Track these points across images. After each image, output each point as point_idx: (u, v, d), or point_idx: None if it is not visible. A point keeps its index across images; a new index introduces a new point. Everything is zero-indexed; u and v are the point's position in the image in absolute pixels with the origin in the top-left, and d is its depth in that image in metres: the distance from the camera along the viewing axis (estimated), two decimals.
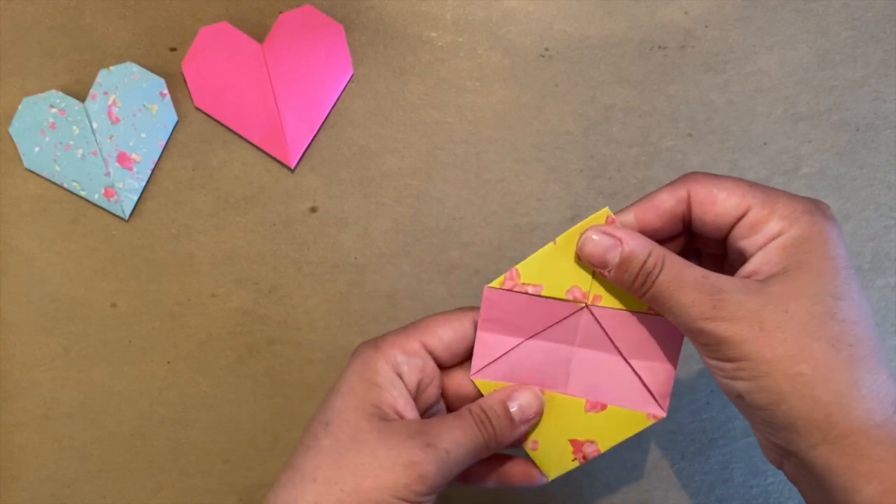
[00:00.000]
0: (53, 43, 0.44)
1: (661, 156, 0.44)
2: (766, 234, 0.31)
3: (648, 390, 0.35)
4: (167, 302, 0.44)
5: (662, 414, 0.35)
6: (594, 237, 0.33)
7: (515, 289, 0.34)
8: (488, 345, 0.35)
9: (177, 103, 0.44)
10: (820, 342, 0.29)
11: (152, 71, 0.43)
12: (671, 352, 0.34)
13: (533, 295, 0.34)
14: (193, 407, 0.45)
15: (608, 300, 0.34)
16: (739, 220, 0.32)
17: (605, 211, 0.33)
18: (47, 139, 0.43)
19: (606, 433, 0.35)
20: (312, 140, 0.44)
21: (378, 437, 0.32)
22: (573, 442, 0.35)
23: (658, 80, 0.44)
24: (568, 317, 0.35)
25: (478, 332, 0.35)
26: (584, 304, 0.34)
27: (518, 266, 0.34)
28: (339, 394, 0.33)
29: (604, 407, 0.35)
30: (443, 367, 0.36)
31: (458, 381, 0.37)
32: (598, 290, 0.34)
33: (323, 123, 0.44)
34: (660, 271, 0.31)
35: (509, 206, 0.44)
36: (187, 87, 0.43)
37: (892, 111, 0.44)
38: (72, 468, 0.45)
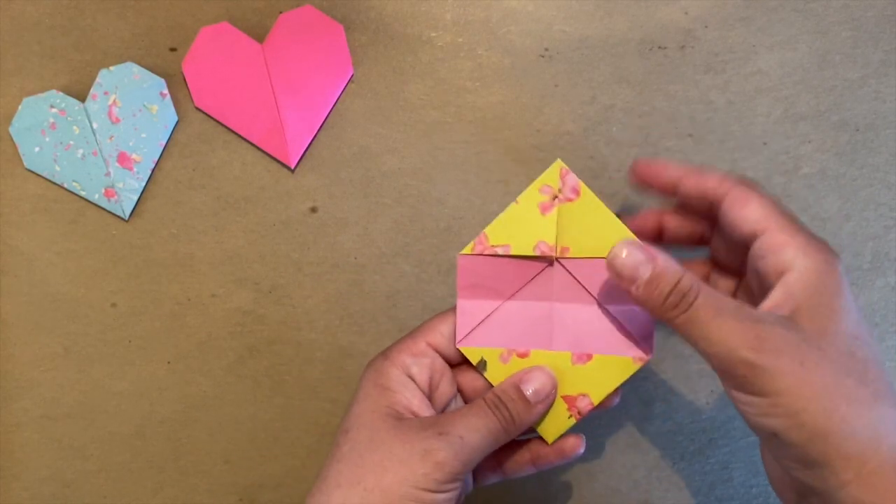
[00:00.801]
0: (53, 43, 0.44)
1: (661, 156, 0.44)
2: (782, 259, 0.31)
3: (630, 334, 0.35)
4: (167, 302, 0.44)
5: (647, 356, 0.35)
6: (625, 251, 0.32)
7: (486, 252, 0.35)
8: (469, 312, 0.36)
9: (177, 103, 0.44)
10: (851, 379, 0.30)
11: (152, 71, 0.43)
12: None
13: (503, 256, 0.35)
14: (193, 407, 0.45)
15: (575, 250, 0.35)
16: (757, 235, 0.32)
17: (559, 163, 0.35)
18: (47, 139, 0.43)
19: (596, 384, 0.36)
20: (312, 140, 0.44)
21: (394, 435, 0.33)
22: (566, 398, 0.36)
23: (658, 80, 0.44)
24: (540, 273, 0.36)
25: (458, 301, 0.36)
26: (552, 258, 0.35)
27: (485, 229, 0.35)
28: (356, 402, 0.35)
29: (590, 357, 0.36)
30: (452, 363, 0.37)
31: (471, 377, 0.38)
32: (564, 241, 0.35)
33: (323, 123, 0.44)
34: (696, 295, 0.31)
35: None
36: (187, 87, 0.44)
37: (891, 111, 0.44)
38: (72, 468, 0.45)
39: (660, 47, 0.44)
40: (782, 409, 0.30)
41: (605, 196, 0.44)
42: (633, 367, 0.35)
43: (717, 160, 0.44)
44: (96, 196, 0.44)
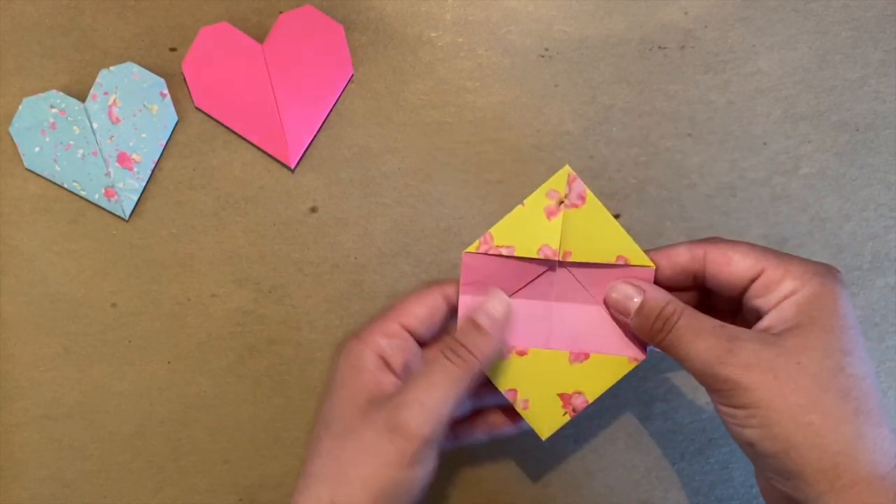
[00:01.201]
0: (53, 43, 0.44)
1: (661, 156, 0.44)
2: (781, 293, 0.33)
3: (626, 335, 0.36)
4: (167, 302, 0.44)
5: (643, 356, 0.36)
6: (620, 286, 0.35)
7: (490, 251, 0.36)
8: (471, 307, 0.36)
9: (177, 103, 0.44)
10: (829, 394, 0.31)
11: (152, 71, 0.43)
12: None
13: (507, 257, 0.36)
14: (193, 407, 0.45)
15: (578, 255, 0.36)
16: (754, 280, 0.33)
17: (566, 169, 0.35)
18: (47, 139, 0.43)
19: (592, 382, 0.36)
20: (312, 140, 0.44)
21: (363, 421, 0.33)
22: (562, 396, 0.37)
23: (658, 80, 0.44)
24: (543, 274, 0.36)
25: (460, 296, 0.36)
26: (555, 262, 0.36)
27: (491, 229, 0.36)
28: (332, 390, 0.35)
29: (587, 356, 0.36)
30: (423, 343, 0.37)
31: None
32: (567, 246, 0.36)
33: (323, 123, 0.44)
34: (678, 318, 0.33)
35: (509, 207, 0.44)
36: (187, 87, 0.44)
37: (891, 111, 0.44)
38: (72, 468, 0.45)
39: (660, 47, 0.44)
40: (756, 421, 0.31)
41: (605, 196, 0.44)
42: (628, 367, 0.36)
43: (717, 160, 0.44)
44: (96, 196, 0.44)
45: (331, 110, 0.44)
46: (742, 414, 0.32)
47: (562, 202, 0.35)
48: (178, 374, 0.45)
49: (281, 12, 0.43)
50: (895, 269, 0.44)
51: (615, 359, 0.36)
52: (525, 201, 0.35)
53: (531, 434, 0.37)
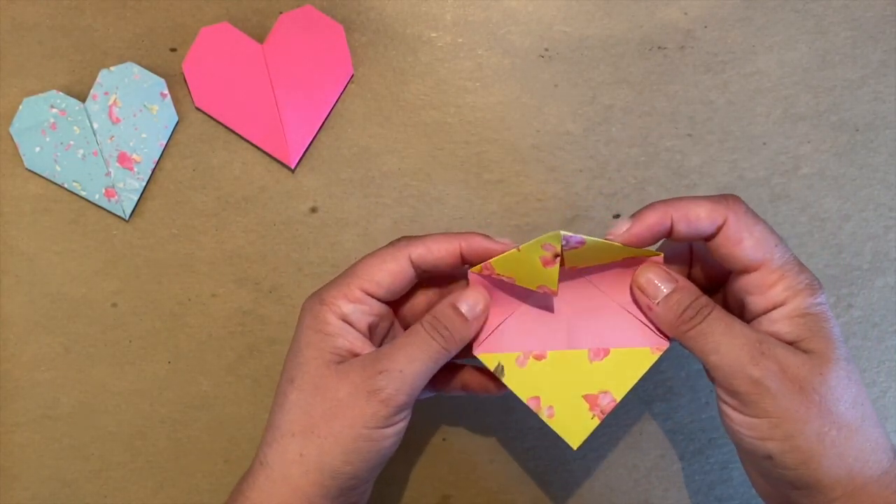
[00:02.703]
0: (53, 43, 0.44)
1: (661, 156, 0.44)
2: (771, 298, 0.33)
3: (645, 326, 0.35)
4: (167, 302, 0.44)
5: (666, 343, 0.35)
6: (651, 270, 0.34)
7: (493, 276, 0.35)
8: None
9: (177, 103, 0.44)
10: (843, 404, 0.31)
11: (153, 71, 0.43)
12: None
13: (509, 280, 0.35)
14: (194, 407, 0.45)
15: (584, 265, 0.35)
16: (751, 272, 0.33)
17: (558, 235, 0.33)
18: (48, 139, 0.43)
19: (617, 379, 0.35)
20: (312, 140, 0.44)
21: (338, 380, 0.33)
22: (587, 398, 0.35)
23: (658, 81, 0.44)
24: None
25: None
26: (555, 293, 0.35)
27: (492, 261, 0.35)
28: (298, 350, 0.35)
29: (607, 352, 0.35)
30: (389, 303, 0.37)
31: (409, 306, 0.38)
32: (574, 264, 0.35)
33: (323, 123, 0.44)
34: (711, 310, 0.33)
35: (509, 207, 0.44)
36: (187, 88, 0.44)
37: (891, 111, 0.44)
38: (72, 468, 0.45)
39: (660, 47, 0.44)
40: (780, 432, 0.31)
41: (604, 196, 0.44)
42: (653, 358, 0.35)
43: (717, 160, 0.44)
44: (97, 196, 0.44)
45: (331, 110, 0.44)
46: (764, 425, 0.31)
47: (557, 255, 0.33)
48: (178, 373, 0.45)
49: (281, 12, 0.43)
50: (895, 269, 0.44)
51: (637, 351, 0.35)
52: (521, 247, 0.34)
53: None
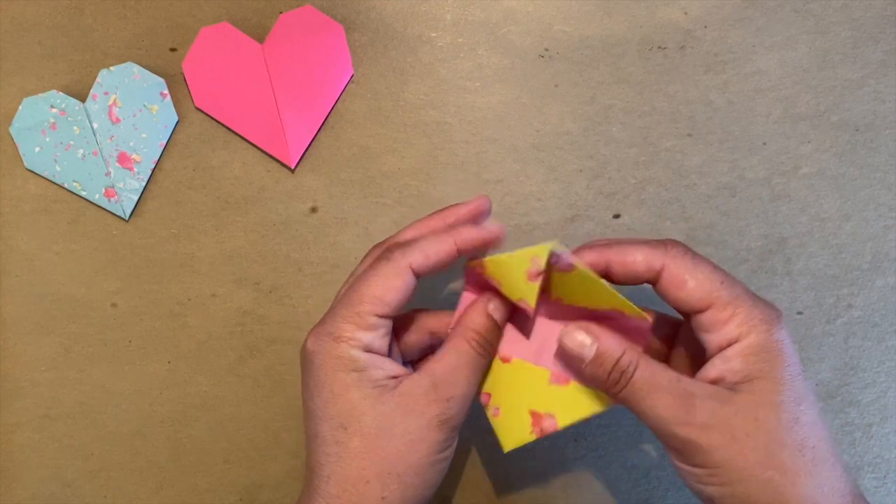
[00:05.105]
0: (53, 43, 0.44)
1: (661, 156, 0.44)
2: (725, 335, 0.32)
3: None
4: (167, 302, 0.44)
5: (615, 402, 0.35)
6: (573, 333, 0.34)
7: (484, 275, 0.35)
8: (477, 301, 0.36)
9: (177, 103, 0.44)
10: (787, 448, 0.31)
11: (153, 71, 0.43)
12: (637, 344, 0.35)
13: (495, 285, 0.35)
14: (194, 407, 0.45)
15: (571, 302, 0.35)
16: (701, 311, 0.33)
17: (547, 247, 0.33)
18: (48, 139, 0.43)
19: (566, 408, 0.35)
20: (312, 140, 0.44)
21: (403, 414, 0.33)
22: (533, 413, 0.36)
23: (658, 81, 0.44)
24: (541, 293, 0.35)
25: (464, 293, 0.36)
26: (532, 312, 0.35)
27: (488, 258, 0.34)
28: (333, 396, 0.33)
29: (567, 381, 0.35)
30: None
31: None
32: (558, 294, 0.35)
33: (323, 124, 0.44)
34: (634, 370, 0.33)
35: (509, 206, 0.44)
36: (187, 88, 0.44)
37: (891, 111, 0.44)
38: (72, 468, 0.45)
39: (660, 47, 0.44)
40: (717, 479, 0.31)
41: (605, 196, 0.44)
42: (606, 405, 0.35)
43: (717, 160, 0.44)
44: (97, 196, 0.44)
45: (331, 110, 0.44)
46: (702, 473, 0.32)
47: (541, 273, 0.33)
48: (178, 374, 0.45)
49: (281, 12, 0.43)
50: (895, 269, 0.44)
51: (595, 393, 0.35)
52: (515, 252, 0.33)
53: None
